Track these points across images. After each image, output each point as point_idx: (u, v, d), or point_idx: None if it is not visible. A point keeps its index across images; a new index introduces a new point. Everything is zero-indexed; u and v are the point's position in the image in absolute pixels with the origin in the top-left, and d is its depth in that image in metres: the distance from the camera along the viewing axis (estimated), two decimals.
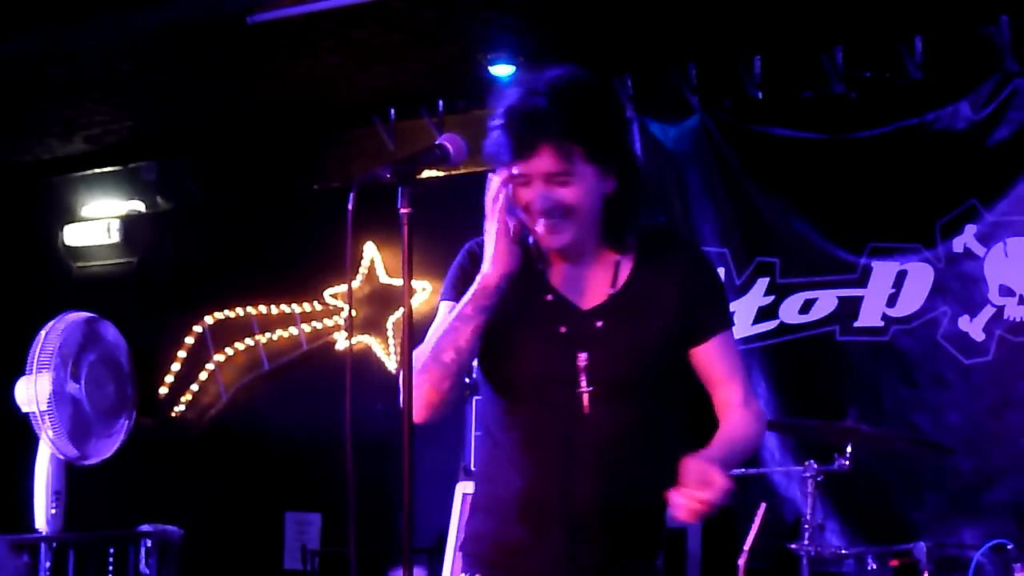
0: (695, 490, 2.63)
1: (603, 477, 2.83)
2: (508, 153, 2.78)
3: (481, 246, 2.88)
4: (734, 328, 3.04)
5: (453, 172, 2.69)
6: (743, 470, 5.57)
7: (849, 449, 4.93)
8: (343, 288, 7.78)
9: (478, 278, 2.80)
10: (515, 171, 2.78)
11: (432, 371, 2.79)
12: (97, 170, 8.72)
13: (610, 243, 2.93)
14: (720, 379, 2.98)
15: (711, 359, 2.97)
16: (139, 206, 8.74)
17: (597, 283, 2.93)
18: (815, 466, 5.01)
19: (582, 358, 2.85)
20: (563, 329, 2.88)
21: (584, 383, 2.85)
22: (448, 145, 2.66)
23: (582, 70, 2.85)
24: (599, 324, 2.89)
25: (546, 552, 2.86)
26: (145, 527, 5.90)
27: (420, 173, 2.63)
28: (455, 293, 2.89)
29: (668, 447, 2.86)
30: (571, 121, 2.76)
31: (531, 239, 2.87)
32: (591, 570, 2.86)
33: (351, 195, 2.55)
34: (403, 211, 2.58)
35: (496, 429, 2.95)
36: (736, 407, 2.98)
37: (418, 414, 2.73)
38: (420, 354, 2.81)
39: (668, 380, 2.96)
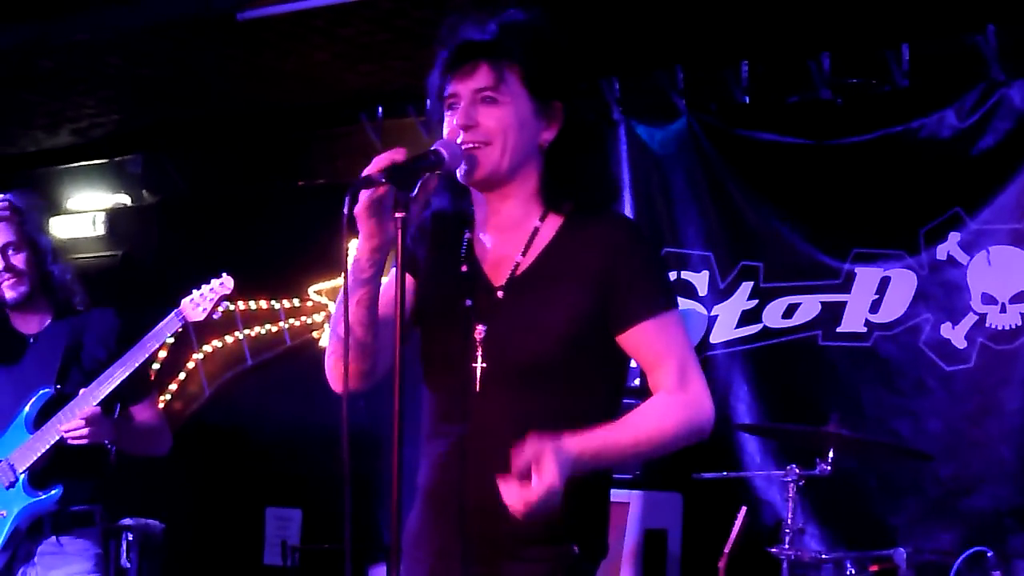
0: (519, 480, 2.43)
1: (498, 468, 2.53)
2: (446, 70, 2.72)
3: (422, 226, 2.84)
4: (674, 312, 2.72)
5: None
6: (724, 473, 5.59)
7: (830, 454, 4.95)
8: (328, 284, 7.77)
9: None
10: (449, 91, 2.72)
11: (335, 346, 2.72)
12: (83, 163, 8.70)
13: (544, 208, 2.75)
14: (650, 365, 2.69)
15: (638, 347, 2.69)
16: (125, 199, 8.72)
17: (513, 252, 2.75)
18: (796, 470, 5.03)
19: (479, 330, 2.69)
20: (469, 301, 2.73)
21: (480, 358, 2.67)
22: (443, 151, 2.63)
23: (539, 10, 2.76)
24: (500, 296, 2.72)
25: (437, 543, 2.71)
26: (127, 521, 5.90)
27: (416, 179, 2.58)
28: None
29: None
30: (513, 40, 2.69)
31: (453, 205, 2.80)
32: (481, 568, 2.66)
33: (346, 199, 2.50)
34: (397, 215, 2.52)
35: (423, 409, 2.81)
36: (663, 392, 2.67)
37: (334, 385, 2.75)
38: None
39: (588, 372, 2.69)
